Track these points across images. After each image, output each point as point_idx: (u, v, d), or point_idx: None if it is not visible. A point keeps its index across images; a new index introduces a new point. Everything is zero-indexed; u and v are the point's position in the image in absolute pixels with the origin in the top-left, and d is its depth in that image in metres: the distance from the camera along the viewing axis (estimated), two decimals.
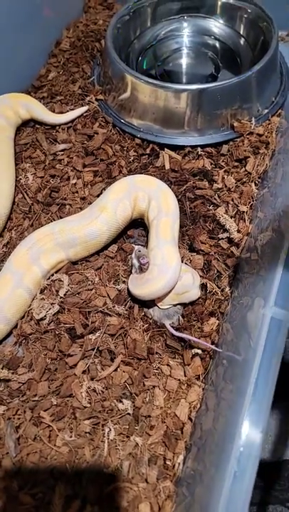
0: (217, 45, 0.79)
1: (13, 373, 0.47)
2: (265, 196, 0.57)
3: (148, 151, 0.66)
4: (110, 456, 0.42)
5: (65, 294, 0.51)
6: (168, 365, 0.47)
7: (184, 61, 0.78)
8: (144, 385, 0.46)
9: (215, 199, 0.59)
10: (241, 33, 0.78)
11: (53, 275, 0.54)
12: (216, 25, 0.80)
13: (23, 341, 0.50)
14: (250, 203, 0.58)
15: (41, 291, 0.52)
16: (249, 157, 0.62)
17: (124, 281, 0.53)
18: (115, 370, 0.46)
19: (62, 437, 0.43)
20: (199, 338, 0.47)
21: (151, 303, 0.50)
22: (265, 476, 0.87)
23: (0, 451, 0.43)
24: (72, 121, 0.70)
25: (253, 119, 0.64)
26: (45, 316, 0.50)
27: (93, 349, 0.48)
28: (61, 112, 0.70)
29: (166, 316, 0.49)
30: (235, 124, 0.64)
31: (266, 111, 0.66)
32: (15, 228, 0.60)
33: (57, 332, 0.50)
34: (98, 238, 0.53)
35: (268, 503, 0.87)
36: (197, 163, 0.63)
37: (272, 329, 0.36)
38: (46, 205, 0.61)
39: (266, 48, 0.65)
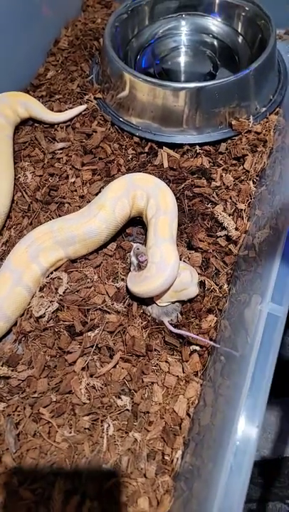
0: (215, 43, 0.79)
1: (12, 370, 0.48)
2: (263, 194, 0.57)
3: (146, 149, 0.66)
4: (109, 452, 0.42)
5: (64, 292, 0.52)
6: (166, 361, 0.48)
7: (182, 59, 0.78)
8: (142, 381, 0.46)
9: (213, 197, 0.59)
10: (239, 31, 0.78)
11: (52, 273, 0.54)
12: (214, 24, 0.80)
13: (23, 339, 0.50)
14: (248, 200, 0.59)
15: (40, 289, 0.53)
16: (247, 155, 0.62)
17: (122, 279, 0.53)
18: (114, 366, 0.47)
19: (62, 433, 0.43)
20: (198, 335, 0.48)
21: (149, 300, 0.50)
22: (264, 474, 0.87)
23: (0, 447, 0.43)
24: (70, 119, 0.70)
25: (251, 117, 0.64)
26: (44, 313, 0.51)
27: (92, 346, 0.48)
28: (60, 111, 0.70)
29: (164, 313, 0.50)
30: (234, 122, 0.64)
31: (264, 109, 0.66)
32: (14, 227, 0.60)
33: (56, 329, 0.50)
34: (97, 236, 0.53)
35: (267, 500, 0.88)
36: (195, 161, 0.63)
37: (269, 325, 0.36)
38: (45, 204, 0.61)
39: (264, 46, 0.65)
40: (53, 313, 0.51)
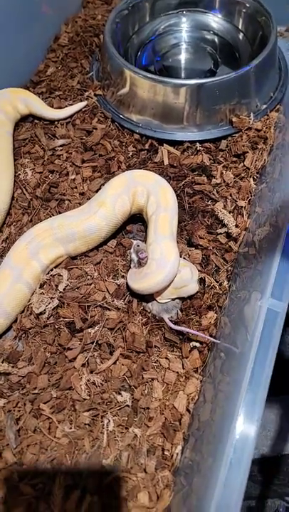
0: (216, 40, 0.79)
1: (13, 367, 0.48)
2: (263, 191, 0.57)
3: (147, 146, 0.66)
4: (109, 447, 0.42)
5: (64, 289, 0.52)
6: (166, 358, 0.48)
7: (183, 56, 0.78)
8: (142, 377, 0.46)
9: (213, 194, 0.59)
10: (240, 27, 0.77)
11: (52, 270, 0.54)
12: (215, 20, 0.80)
13: (23, 335, 0.51)
14: (248, 198, 0.59)
15: (41, 286, 0.53)
16: (247, 152, 0.62)
17: (123, 276, 0.53)
18: (114, 363, 0.47)
19: (62, 429, 0.43)
20: (197, 331, 0.48)
21: (150, 297, 0.50)
22: (264, 471, 0.88)
23: (0, 443, 0.43)
24: (70, 116, 0.70)
25: (252, 114, 0.64)
26: (44, 310, 0.51)
27: (92, 343, 0.48)
28: (60, 107, 0.70)
29: (164, 310, 0.50)
30: (234, 119, 0.64)
31: (265, 106, 0.66)
32: (14, 223, 0.60)
33: (56, 326, 0.50)
34: (97, 233, 0.53)
35: (266, 497, 0.89)
36: (196, 158, 0.63)
37: (269, 320, 0.36)
38: (45, 201, 0.61)
39: (265, 42, 0.65)
40: (53, 309, 0.51)
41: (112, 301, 0.51)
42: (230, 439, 0.34)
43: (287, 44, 0.76)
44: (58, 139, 0.68)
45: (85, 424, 0.43)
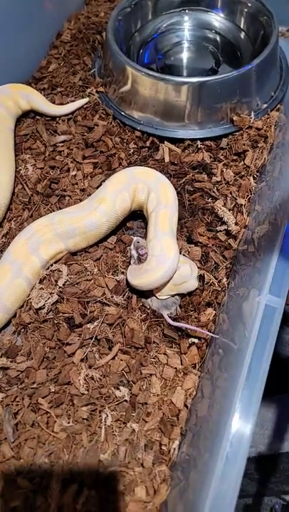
0: (218, 39, 0.79)
1: (11, 361, 0.48)
2: (263, 190, 0.57)
3: (148, 143, 0.66)
4: (107, 442, 0.42)
5: (64, 284, 0.52)
6: (165, 353, 0.48)
7: (185, 55, 0.78)
8: (141, 373, 0.46)
9: (214, 192, 0.60)
10: (242, 27, 0.78)
11: (52, 265, 0.54)
12: (217, 19, 0.80)
13: (22, 330, 0.51)
14: (248, 196, 0.59)
15: (40, 281, 0.53)
16: (248, 151, 0.62)
17: (122, 272, 0.53)
18: (113, 358, 0.47)
19: (60, 423, 0.43)
20: (196, 327, 0.48)
21: (149, 293, 0.50)
22: (261, 469, 0.88)
23: None
24: (72, 112, 0.70)
25: (252, 113, 0.65)
26: (43, 305, 0.51)
27: (91, 338, 0.48)
28: (61, 104, 0.70)
29: (164, 306, 0.50)
30: (235, 117, 0.64)
31: (265, 105, 0.66)
32: (14, 219, 0.60)
33: (55, 321, 0.50)
34: (97, 229, 0.53)
35: (263, 495, 0.89)
36: (196, 156, 0.63)
37: (266, 316, 0.36)
38: (46, 197, 0.61)
39: (266, 42, 0.65)
40: (52, 305, 0.51)
41: (112, 297, 0.51)
42: (227, 434, 0.34)
43: None
44: (59, 135, 0.68)
45: (83, 418, 0.44)
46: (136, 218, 0.60)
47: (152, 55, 0.78)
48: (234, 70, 0.61)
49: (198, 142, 0.64)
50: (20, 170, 0.64)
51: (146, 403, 0.45)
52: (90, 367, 0.47)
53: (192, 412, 0.44)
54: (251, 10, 0.74)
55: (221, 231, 0.56)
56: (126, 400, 0.45)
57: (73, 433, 0.43)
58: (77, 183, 0.62)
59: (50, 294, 0.51)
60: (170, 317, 0.49)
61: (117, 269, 0.54)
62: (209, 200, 0.59)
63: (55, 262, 0.55)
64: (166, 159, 0.63)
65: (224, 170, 0.62)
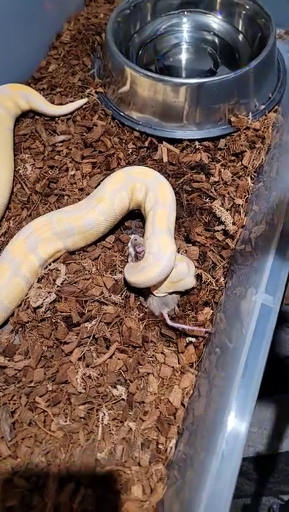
0: (216, 40, 0.80)
1: (9, 360, 0.48)
2: (260, 190, 0.58)
3: (146, 143, 0.66)
4: (104, 441, 0.42)
5: (62, 283, 0.52)
6: (162, 353, 0.48)
7: (184, 56, 0.78)
8: (138, 372, 0.47)
9: (211, 192, 0.60)
10: (240, 29, 0.78)
11: (50, 264, 0.54)
12: (215, 21, 0.80)
13: (20, 329, 0.51)
14: (245, 196, 0.59)
15: (38, 280, 0.53)
16: (245, 151, 0.63)
17: (120, 272, 0.53)
18: (110, 357, 0.47)
19: (57, 422, 0.43)
20: (194, 327, 0.48)
21: (147, 292, 0.50)
22: (259, 469, 0.88)
23: None
24: (71, 113, 0.70)
25: (250, 114, 0.65)
26: (41, 304, 0.51)
27: (89, 337, 0.48)
28: (61, 104, 0.70)
29: (164, 304, 0.50)
30: (233, 118, 0.64)
31: (263, 107, 0.67)
32: (13, 218, 0.60)
33: (53, 320, 0.50)
34: (96, 228, 0.54)
35: (261, 495, 0.89)
36: (195, 156, 0.64)
37: (262, 316, 0.37)
38: (44, 196, 0.62)
39: (264, 44, 0.66)
40: (50, 304, 0.51)
41: (110, 296, 0.51)
42: (223, 432, 0.34)
43: (287, 46, 0.77)
44: (58, 135, 0.68)
45: (80, 417, 0.44)
46: (134, 218, 0.60)
47: (151, 56, 0.78)
48: (232, 72, 0.62)
49: (197, 143, 0.65)
50: (19, 169, 0.64)
51: (143, 402, 0.45)
52: (87, 366, 0.47)
53: (189, 410, 0.44)
54: (249, 12, 0.75)
55: (218, 231, 0.57)
56: (123, 399, 0.45)
57: (70, 432, 0.43)
58: (75, 183, 0.63)
59: (48, 292, 0.51)
60: (169, 316, 0.49)
61: (115, 268, 0.54)
62: (207, 200, 0.60)
63: (54, 261, 0.55)
64: (165, 159, 0.64)
65: (222, 170, 0.62)
